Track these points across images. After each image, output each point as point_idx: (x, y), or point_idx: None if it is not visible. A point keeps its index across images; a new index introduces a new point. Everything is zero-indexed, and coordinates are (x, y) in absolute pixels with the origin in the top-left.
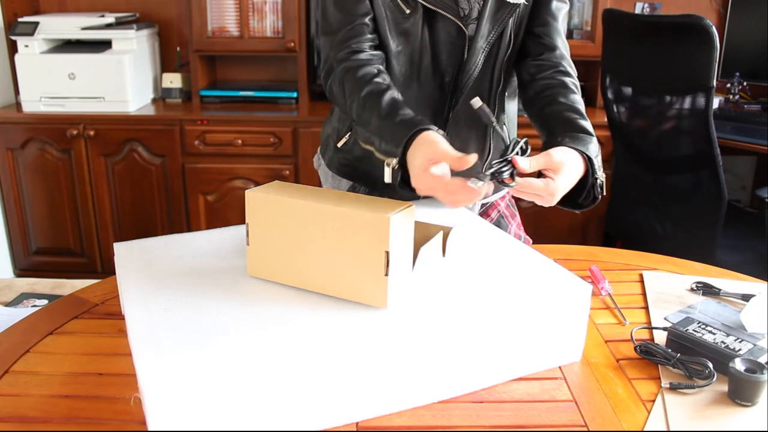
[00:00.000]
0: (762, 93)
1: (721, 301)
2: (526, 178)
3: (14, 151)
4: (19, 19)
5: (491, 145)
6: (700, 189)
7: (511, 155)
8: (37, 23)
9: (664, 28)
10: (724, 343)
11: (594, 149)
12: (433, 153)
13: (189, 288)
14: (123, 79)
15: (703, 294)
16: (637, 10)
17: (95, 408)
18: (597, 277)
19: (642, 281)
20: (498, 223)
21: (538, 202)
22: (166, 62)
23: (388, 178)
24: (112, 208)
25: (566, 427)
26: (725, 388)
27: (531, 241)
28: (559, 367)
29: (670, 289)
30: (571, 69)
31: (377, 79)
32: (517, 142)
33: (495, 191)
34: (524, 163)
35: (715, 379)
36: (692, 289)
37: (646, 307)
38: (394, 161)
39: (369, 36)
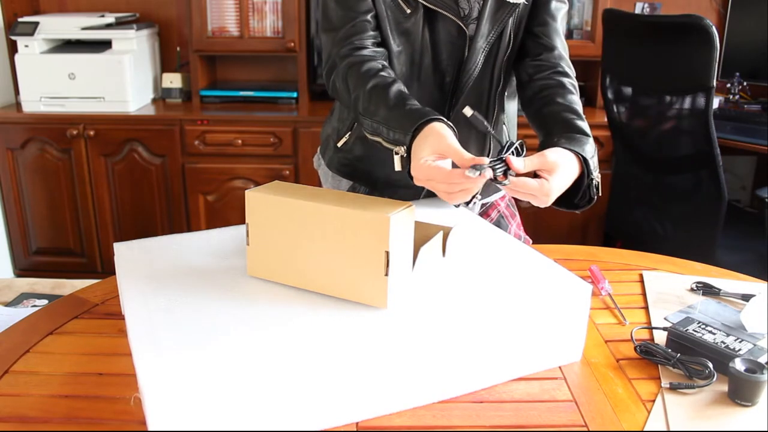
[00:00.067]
0: (762, 93)
1: (721, 301)
2: (520, 178)
3: (14, 151)
4: (19, 19)
5: (491, 147)
6: (700, 189)
7: (505, 155)
8: (37, 23)
9: (664, 28)
10: (724, 343)
11: (590, 150)
12: (440, 147)
13: (189, 288)
14: (123, 79)
15: (703, 294)
16: (637, 10)
17: (95, 408)
18: (597, 277)
19: (642, 281)
20: (498, 223)
21: (534, 203)
22: (166, 62)
23: (397, 166)
24: (112, 208)
25: (566, 427)
26: (725, 388)
27: (531, 241)
28: (559, 367)
29: (670, 289)
30: (570, 69)
31: (383, 73)
32: (512, 144)
33: (491, 191)
34: (518, 163)
35: (715, 379)
36: (692, 289)
37: (646, 307)
38: (403, 149)
39: (371, 33)
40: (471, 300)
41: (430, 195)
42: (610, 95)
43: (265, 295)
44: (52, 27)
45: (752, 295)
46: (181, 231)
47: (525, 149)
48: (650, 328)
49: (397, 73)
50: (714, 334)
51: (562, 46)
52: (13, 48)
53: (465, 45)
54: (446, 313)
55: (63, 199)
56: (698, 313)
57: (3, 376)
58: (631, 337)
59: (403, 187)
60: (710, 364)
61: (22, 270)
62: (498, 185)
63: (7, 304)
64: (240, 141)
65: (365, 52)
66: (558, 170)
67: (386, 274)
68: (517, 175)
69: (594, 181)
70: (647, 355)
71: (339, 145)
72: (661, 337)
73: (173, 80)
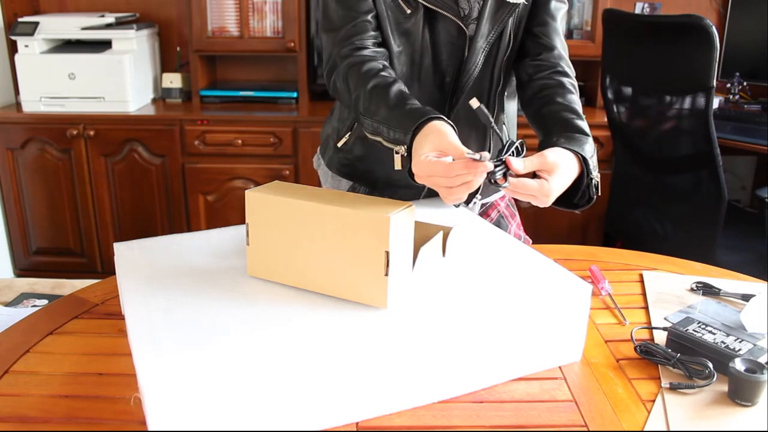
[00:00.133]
0: (762, 93)
1: (721, 301)
2: (520, 179)
3: (14, 151)
4: (19, 19)
5: (491, 146)
6: (700, 189)
7: (505, 156)
8: (37, 23)
9: (664, 28)
10: (724, 343)
11: (589, 149)
12: (440, 144)
13: (189, 288)
14: (123, 79)
15: (703, 294)
16: (637, 10)
17: (95, 408)
18: (597, 277)
19: (642, 281)
20: (498, 223)
21: (534, 203)
22: (166, 62)
23: (398, 165)
24: (112, 208)
25: (566, 427)
26: (725, 388)
27: (531, 241)
28: (559, 367)
29: (670, 289)
30: (569, 69)
31: (383, 73)
32: (513, 143)
33: (491, 191)
34: (518, 164)
35: (715, 379)
36: (692, 289)
37: (646, 307)
38: (403, 148)
39: (372, 33)
40: (471, 300)
41: (430, 195)
42: (610, 95)
43: (265, 295)
44: (52, 27)
45: (752, 295)
46: (181, 231)
47: (525, 149)
48: (650, 328)
49: (397, 73)
50: (714, 334)
51: (561, 46)
52: (13, 48)
53: (465, 45)
54: (446, 313)
55: (63, 199)
56: (698, 313)
57: (3, 376)
58: (631, 337)
59: (403, 187)
60: (710, 364)
61: (22, 270)
62: (498, 187)
63: (7, 304)
64: (240, 141)
65: (366, 52)
66: (558, 170)
67: (386, 274)
68: (517, 175)
69: (593, 181)
70: (647, 355)
71: (339, 145)
72: (661, 337)
73: (173, 80)
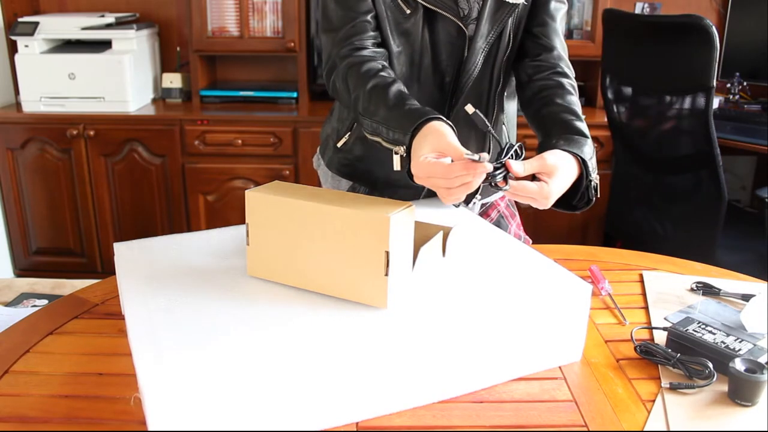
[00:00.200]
0: (762, 93)
1: (721, 301)
2: (520, 182)
3: (14, 151)
4: (19, 19)
5: (491, 146)
6: (700, 189)
7: (505, 159)
8: (37, 23)
9: (664, 28)
10: (724, 343)
11: (588, 151)
12: (439, 145)
13: (189, 288)
14: (123, 79)
15: (703, 294)
16: (637, 10)
17: (95, 408)
18: (597, 277)
19: (642, 281)
20: (498, 223)
21: (533, 205)
22: (166, 62)
23: (397, 165)
24: (112, 208)
25: (566, 427)
26: (725, 388)
27: (531, 241)
28: (559, 367)
29: (670, 289)
30: (569, 70)
31: (382, 73)
32: (512, 146)
33: (491, 191)
34: (518, 167)
35: (715, 379)
36: (692, 289)
37: (646, 307)
38: (402, 149)
39: (371, 33)
40: (471, 300)
41: (430, 195)
42: (610, 95)
43: (265, 295)
44: (52, 27)
45: (752, 295)
46: (181, 231)
47: (524, 151)
48: (650, 328)
49: (397, 73)
50: (714, 334)
51: (561, 47)
52: (13, 48)
53: (464, 45)
54: (446, 313)
55: (63, 199)
56: (698, 313)
57: (3, 376)
58: (631, 337)
59: (403, 187)
60: (710, 364)
61: (22, 270)
62: (499, 190)
63: (7, 304)
64: (240, 141)
65: (365, 52)
66: (557, 173)
67: (386, 274)
68: (517, 178)
69: (592, 183)
70: (647, 355)
71: (339, 145)
72: (661, 337)
73: (173, 80)
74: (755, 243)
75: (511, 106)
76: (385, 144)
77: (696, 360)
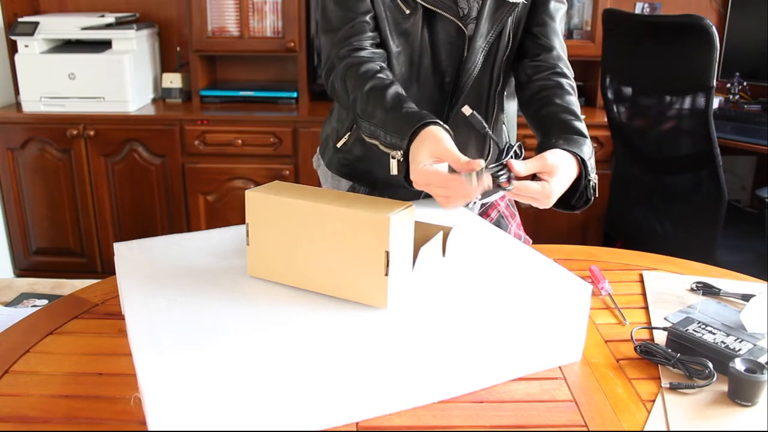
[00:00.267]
0: (762, 93)
1: (721, 301)
2: (522, 182)
3: (14, 151)
4: (19, 19)
5: (490, 146)
6: (700, 189)
7: (506, 159)
8: (37, 23)
9: (664, 28)
10: (724, 343)
11: (588, 151)
12: (437, 150)
13: (189, 288)
14: (123, 79)
15: (703, 294)
16: (637, 10)
17: (95, 408)
18: (597, 277)
19: (642, 281)
20: (498, 223)
21: (534, 205)
22: (166, 62)
23: (393, 170)
24: (112, 208)
25: (566, 427)
26: (725, 388)
27: (531, 241)
28: (559, 367)
29: (670, 289)
30: (568, 70)
31: (380, 75)
32: (511, 147)
33: (490, 194)
34: (519, 167)
35: (715, 379)
36: (692, 289)
37: (646, 307)
38: (399, 153)
39: (370, 34)
40: (471, 300)
41: (430, 195)
42: (610, 95)
43: (265, 295)
44: (52, 27)
45: (752, 295)
46: (181, 231)
47: (524, 151)
48: (650, 328)
49: (396, 73)
50: (714, 334)
51: (560, 47)
52: (13, 48)
53: (464, 45)
54: (446, 313)
55: (63, 199)
56: (698, 313)
57: (3, 376)
58: (631, 337)
59: (403, 188)
60: (710, 364)
61: (22, 270)
62: (502, 191)
63: (7, 304)
64: (240, 141)
65: (363, 53)
66: (558, 172)
67: (386, 274)
68: (518, 178)
69: (591, 182)
70: (647, 355)
71: (338, 145)
72: (661, 337)
73: (173, 80)
74: (755, 243)
75: (511, 106)
76: (382, 148)
77: (696, 360)
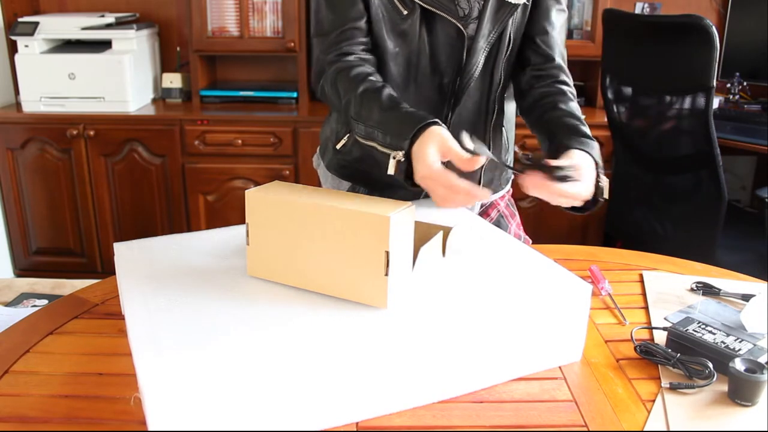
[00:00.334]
0: (762, 93)
1: (721, 301)
2: (566, 185)
3: (14, 151)
4: (19, 19)
5: (490, 147)
6: (700, 189)
7: (543, 161)
8: (37, 23)
9: (664, 28)
10: (724, 343)
11: (598, 154)
12: (442, 149)
13: (189, 288)
14: (123, 79)
15: (703, 294)
16: (637, 10)
17: (95, 408)
18: (597, 277)
19: (642, 281)
20: (498, 223)
21: (563, 204)
22: (166, 62)
23: (391, 170)
24: (112, 208)
25: (566, 427)
26: (725, 388)
27: (531, 241)
28: (559, 367)
29: (670, 289)
30: (568, 78)
31: (372, 78)
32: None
33: (493, 193)
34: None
35: (715, 379)
36: (692, 289)
37: (646, 307)
38: (401, 154)
39: (361, 39)
40: (471, 300)
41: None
42: (610, 95)
43: (265, 295)
44: (52, 27)
45: (752, 295)
46: (181, 231)
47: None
48: (650, 328)
49: (394, 74)
50: (714, 334)
51: (561, 56)
52: (13, 48)
53: (463, 46)
54: (446, 313)
55: (63, 199)
56: (698, 313)
57: (3, 376)
58: (631, 337)
59: (403, 188)
60: (710, 364)
61: (22, 270)
62: (561, 182)
63: (7, 304)
64: (240, 141)
65: (352, 58)
66: (583, 171)
67: (386, 274)
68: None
69: (601, 184)
70: (647, 355)
71: (338, 147)
72: (661, 337)
73: (173, 80)
74: (755, 243)
75: (511, 107)
76: (380, 149)
77: (696, 360)
